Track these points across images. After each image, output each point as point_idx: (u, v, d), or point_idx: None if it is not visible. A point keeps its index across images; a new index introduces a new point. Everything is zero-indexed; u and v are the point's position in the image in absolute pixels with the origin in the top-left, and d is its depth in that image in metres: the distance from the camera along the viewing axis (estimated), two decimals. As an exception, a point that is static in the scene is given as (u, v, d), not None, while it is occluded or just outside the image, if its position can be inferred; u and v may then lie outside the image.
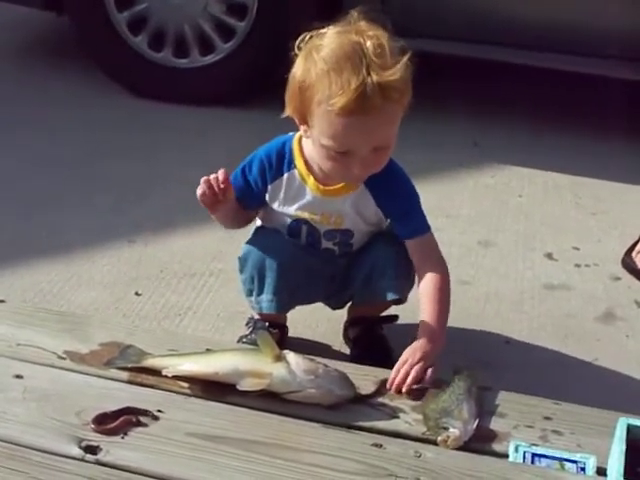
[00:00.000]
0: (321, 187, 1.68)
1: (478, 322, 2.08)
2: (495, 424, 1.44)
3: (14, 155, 2.81)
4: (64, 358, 1.55)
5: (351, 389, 1.48)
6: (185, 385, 1.48)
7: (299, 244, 1.75)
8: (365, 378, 1.53)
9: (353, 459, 1.33)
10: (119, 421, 1.37)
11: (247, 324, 1.88)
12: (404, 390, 1.50)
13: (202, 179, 1.60)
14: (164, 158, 2.84)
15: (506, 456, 1.37)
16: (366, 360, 1.65)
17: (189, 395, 1.47)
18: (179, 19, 3.12)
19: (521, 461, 1.36)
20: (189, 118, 3.12)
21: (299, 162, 1.68)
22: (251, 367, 1.47)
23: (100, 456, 1.31)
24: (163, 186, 2.66)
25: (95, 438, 1.34)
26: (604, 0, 2.86)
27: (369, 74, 1.45)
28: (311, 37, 1.55)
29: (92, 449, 1.32)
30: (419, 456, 1.35)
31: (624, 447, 1.25)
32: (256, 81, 3.12)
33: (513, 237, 2.49)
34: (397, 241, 1.72)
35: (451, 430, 1.38)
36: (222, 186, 1.59)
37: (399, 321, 1.88)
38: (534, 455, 1.37)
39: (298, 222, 1.73)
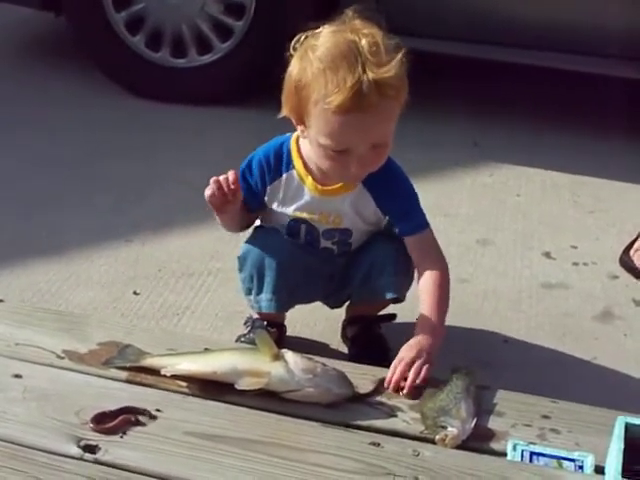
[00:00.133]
0: (319, 187, 1.68)
1: (476, 321, 2.08)
2: (493, 423, 1.44)
3: (14, 155, 2.81)
4: (63, 357, 1.55)
5: (349, 388, 1.48)
6: (183, 384, 1.49)
7: (298, 243, 1.76)
8: (363, 377, 1.53)
9: (351, 458, 1.33)
10: (118, 420, 1.37)
11: (245, 323, 1.89)
12: (405, 392, 1.49)
13: (211, 179, 1.60)
14: (162, 158, 2.84)
15: (504, 455, 1.37)
16: (364, 359, 1.65)
17: (187, 394, 1.47)
18: (177, 19, 3.12)
19: (519, 460, 1.36)
20: (187, 118, 3.12)
21: (297, 162, 1.68)
22: (249, 366, 1.47)
23: (99, 455, 1.31)
24: (161, 186, 2.66)
25: (94, 437, 1.34)
26: (604, -1, 2.87)
27: (365, 72, 1.45)
28: (306, 37, 1.55)
29: (91, 448, 1.32)
30: (417, 455, 1.35)
31: (622, 445, 1.25)
32: (254, 81, 3.12)
33: (511, 236, 2.49)
34: (396, 239, 1.72)
35: (449, 429, 1.39)
36: (232, 187, 1.59)
37: (397, 320, 1.89)
38: (532, 454, 1.37)
39: (297, 221, 1.73)
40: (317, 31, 1.55)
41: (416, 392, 1.50)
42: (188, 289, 2.18)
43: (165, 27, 3.14)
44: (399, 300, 1.80)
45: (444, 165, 2.89)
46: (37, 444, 1.33)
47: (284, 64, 1.57)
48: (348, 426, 1.42)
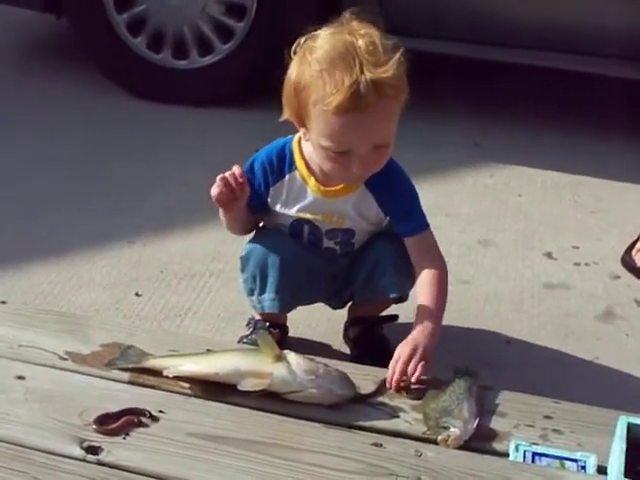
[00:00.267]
0: (322, 188, 1.68)
1: (478, 322, 2.08)
2: (495, 423, 1.44)
3: (14, 155, 2.82)
4: (65, 359, 1.55)
5: (351, 389, 1.48)
6: (186, 385, 1.49)
7: (301, 243, 1.76)
8: (365, 378, 1.53)
9: (354, 458, 1.33)
10: (121, 422, 1.37)
11: (247, 324, 1.89)
12: (407, 389, 1.49)
13: (218, 177, 1.60)
14: (164, 159, 2.84)
15: (507, 455, 1.37)
16: (366, 360, 1.65)
17: (190, 395, 1.47)
18: (178, 20, 3.12)
19: (522, 460, 1.36)
20: (188, 119, 3.12)
21: (300, 163, 1.69)
22: (252, 367, 1.47)
23: (102, 456, 1.31)
24: (163, 187, 2.66)
25: (97, 439, 1.34)
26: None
27: (362, 72, 1.46)
28: (305, 40, 1.56)
29: (94, 449, 1.32)
30: (420, 455, 1.35)
31: (624, 446, 1.25)
32: (255, 82, 3.12)
33: (512, 236, 2.49)
34: (397, 239, 1.72)
35: (451, 429, 1.39)
36: (240, 180, 1.60)
37: (399, 321, 1.89)
38: (534, 454, 1.37)
39: (300, 222, 1.73)
40: (315, 33, 1.56)
41: (416, 392, 1.50)
42: (190, 290, 2.18)
43: (166, 28, 3.14)
44: (402, 300, 1.80)
45: (445, 165, 2.89)
46: (39, 445, 1.33)
47: (285, 66, 1.58)
48: (350, 427, 1.42)
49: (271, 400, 1.45)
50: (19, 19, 3.73)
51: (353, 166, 1.56)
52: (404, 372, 1.51)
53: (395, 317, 1.89)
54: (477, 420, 1.42)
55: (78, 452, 1.32)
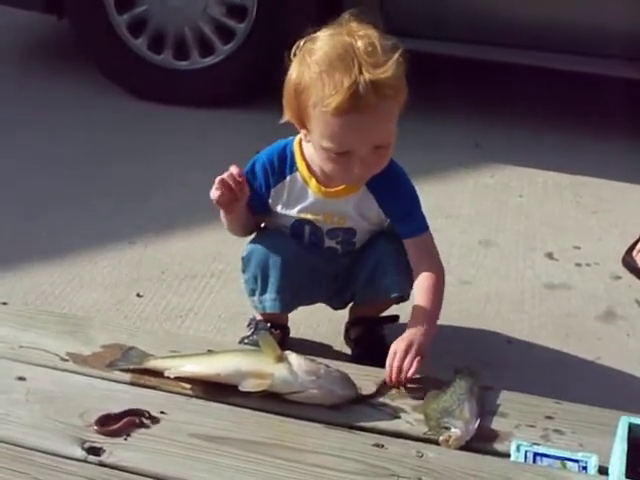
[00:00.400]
0: (323, 189, 1.69)
1: (479, 322, 2.09)
2: (497, 424, 1.45)
3: (14, 155, 2.82)
4: (66, 360, 1.55)
5: (353, 389, 1.48)
6: (187, 386, 1.49)
7: (302, 243, 1.76)
8: (366, 378, 1.53)
9: (355, 459, 1.33)
10: (122, 422, 1.37)
11: (249, 325, 1.89)
12: (401, 384, 1.51)
13: (217, 180, 1.60)
14: (164, 160, 2.84)
15: (508, 455, 1.37)
16: (367, 360, 1.65)
17: (191, 396, 1.48)
18: (179, 21, 3.12)
19: (523, 460, 1.36)
20: (189, 120, 3.12)
21: (300, 164, 1.69)
22: (253, 368, 1.47)
23: (103, 457, 1.32)
24: (163, 188, 2.66)
25: (98, 439, 1.35)
26: (604, -1, 2.87)
27: (361, 73, 1.46)
28: (304, 42, 1.56)
29: (95, 450, 1.32)
30: (421, 456, 1.35)
31: (626, 446, 1.25)
32: (256, 83, 3.12)
33: (513, 237, 2.49)
34: (398, 239, 1.72)
35: (453, 430, 1.39)
36: (239, 179, 1.60)
37: (400, 321, 1.88)
38: (536, 454, 1.37)
39: (301, 222, 1.73)
40: (314, 35, 1.56)
41: (415, 388, 1.50)
42: (191, 291, 2.18)
43: (167, 29, 3.14)
44: (403, 299, 1.80)
45: (445, 166, 2.89)
46: (40, 446, 1.34)
47: (284, 68, 1.58)
48: (351, 427, 1.42)
49: (272, 401, 1.45)
50: (20, 20, 3.73)
51: (354, 167, 1.56)
52: (400, 367, 1.51)
53: (396, 318, 1.89)
54: (478, 420, 1.42)
55: (79, 453, 1.32)
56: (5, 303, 1.74)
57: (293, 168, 1.69)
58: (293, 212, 1.72)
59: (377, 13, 2.70)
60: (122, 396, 1.45)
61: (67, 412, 1.40)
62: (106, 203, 2.57)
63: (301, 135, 1.64)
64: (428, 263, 1.69)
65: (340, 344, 1.97)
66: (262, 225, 1.81)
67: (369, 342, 1.89)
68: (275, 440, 1.37)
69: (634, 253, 2.34)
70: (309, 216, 1.71)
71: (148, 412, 1.40)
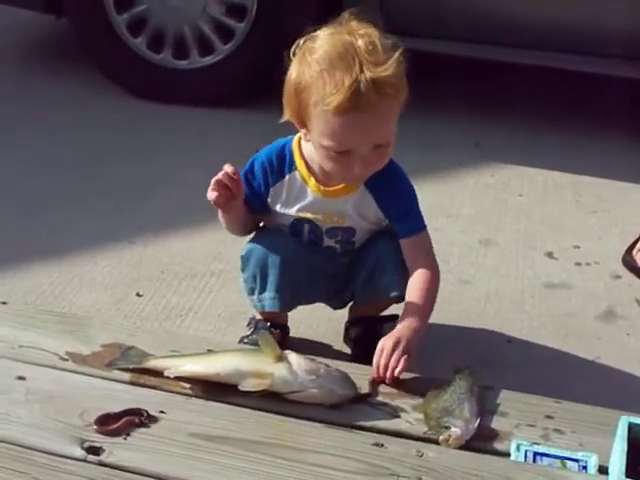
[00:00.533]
0: (322, 188, 1.68)
1: (479, 321, 2.09)
2: (497, 423, 1.44)
3: (14, 155, 2.82)
4: (66, 359, 1.55)
5: (352, 389, 1.48)
6: (187, 386, 1.49)
7: (301, 242, 1.76)
8: (366, 378, 1.53)
9: (355, 458, 1.33)
10: (122, 422, 1.37)
11: (248, 324, 1.89)
12: (387, 381, 1.51)
13: (212, 181, 1.60)
14: (164, 159, 2.85)
15: (508, 455, 1.37)
16: (367, 360, 1.65)
17: (191, 396, 1.47)
18: (178, 20, 3.12)
19: (523, 460, 1.36)
20: (189, 119, 3.12)
21: (300, 164, 1.69)
22: (253, 367, 1.47)
23: (103, 457, 1.31)
24: (163, 187, 2.66)
25: (98, 439, 1.35)
26: (605, -1, 2.87)
27: (362, 71, 1.46)
28: (304, 41, 1.56)
29: (95, 450, 1.32)
30: (421, 455, 1.35)
31: (626, 446, 1.25)
32: (256, 82, 3.12)
33: (513, 236, 2.49)
34: (396, 238, 1.72)
35: (453, 429, 1.39)
36: (234, 177, 1.60)
37: (400, 321, 1.89)
38: (536, 454, 1.37)
39: (300, 221, 1.74)
40: (314, 34, 1.56)
41: (417, 390, 1.50)
42: (191, 290, 2.18)
43: (167, 29, 3.14)
44: (403, 298, 1.79)
45: (445, 166, 2.89)
46: (40, 446, 1.33)
47: (284, 67, 1.58)
48: (351, 427, 1.42)
49: (272, 400, 1.45)
50: (20, 20, 3.73)
51: (354, 166, 1.56)
52: (387, 365, 1.52)
53: (395, 317, 1.88)
54: (478, 420, 1.42)
55: (79, 453, 1.32)
56: (5, 303, 1.74)
57: (292, 167, 1.69)
58: (292, 211, 1.72)
59: (377, 12, 2.70)
60: (122, 396, 1.45)
61: (67, 412, 1.40)
62: (106, 203, 2.57)
63: (301, 134, 1.64)
64: (424, 261, 1.69)
65: (340, 344, 1.97)
66: (261, 224, 1.81)
67: (369, 341, 1.87)
68: (275, 440, 1.37)
69: (634, 252, 2.34)
70: (308, 215, 1.71)
71: (147, 412, 1.40)
